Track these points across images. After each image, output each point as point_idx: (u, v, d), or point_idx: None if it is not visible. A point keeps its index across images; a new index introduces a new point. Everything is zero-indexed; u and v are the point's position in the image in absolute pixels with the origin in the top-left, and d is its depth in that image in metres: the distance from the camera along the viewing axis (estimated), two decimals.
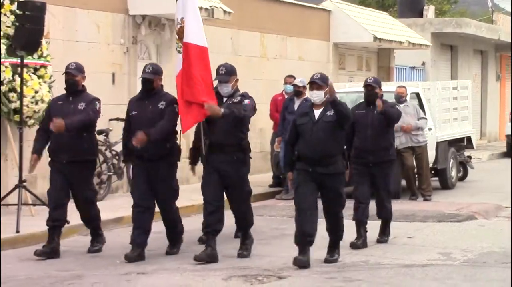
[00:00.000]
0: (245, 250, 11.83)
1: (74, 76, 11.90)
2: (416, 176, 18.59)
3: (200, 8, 18.91)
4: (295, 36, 24.71)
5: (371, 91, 12.85)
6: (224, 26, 21.23)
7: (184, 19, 11.95)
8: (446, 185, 20.48)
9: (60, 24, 16.53)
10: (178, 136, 12.09)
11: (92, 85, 17.82)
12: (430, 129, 19.34)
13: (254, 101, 11.82)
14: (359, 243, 12.46)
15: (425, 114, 18.99)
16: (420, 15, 36.40)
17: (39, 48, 14.74)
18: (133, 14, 18.74)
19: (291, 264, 11.05)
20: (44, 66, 15.34)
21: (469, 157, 22.64)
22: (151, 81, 11.79)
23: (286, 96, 18.97)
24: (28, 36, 13.91)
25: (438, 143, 20.05)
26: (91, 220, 12.25)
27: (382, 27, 28.17)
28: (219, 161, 11.55)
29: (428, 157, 18.84)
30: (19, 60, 13.92)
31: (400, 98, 18.42)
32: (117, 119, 17.31)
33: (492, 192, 19.37)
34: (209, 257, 11.29)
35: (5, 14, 14.84)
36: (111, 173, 17.21)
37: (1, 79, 14.43)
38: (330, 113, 11.02)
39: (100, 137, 16.88)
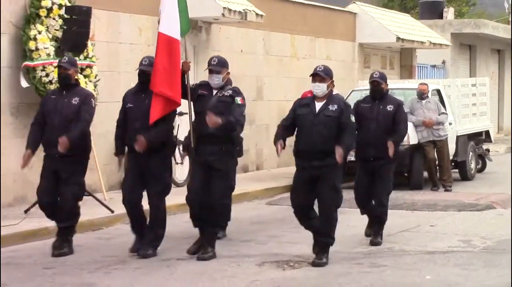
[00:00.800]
0: (205, 253, 10.63)
1: (66, 70, 11.00)
2: (438, 168, 18.55)
3: (234, 11, 19.00)
4: (323, 37, 24.69)
5: (377, 86, 12.16)
6: (257, 28, 21.24)
7: (161, 10, 11.36)
8: (465, 176, 20.41)
9: (104, 27, 16.59)
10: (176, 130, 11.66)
11: (132, 84, 17.93)
12: (450, 123, 19.28)
13: (244, 96, 10.99)
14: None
15: (445, 109, 18.97)
16: (440, 16, 36.30)
17: (85, 50, 14.81)
18: None
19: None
20: (89, 66, 15.41)
21: (487, 150, 22.54)
22: (147, 73, 10.95)
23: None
24: (75, 38, 14.01)
25: (458, 137, 19.99)
26: (68, 218, 10.96)
27: (405, 28, 28.10)
28: (207, 152, 10.70)
29: (448, 150, 18.80)
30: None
31: (422, 94, 18.50)
32: None
33: (510, 183, 19.27)
34: (209, 258, 10.60)
35: (53, 18, 14.93)
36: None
37: (50, 79, 14.54)
38: (332, 107, 10.28)
39: None
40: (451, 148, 19.31)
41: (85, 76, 15.23)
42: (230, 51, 20.65)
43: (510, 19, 37.09)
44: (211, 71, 10.83)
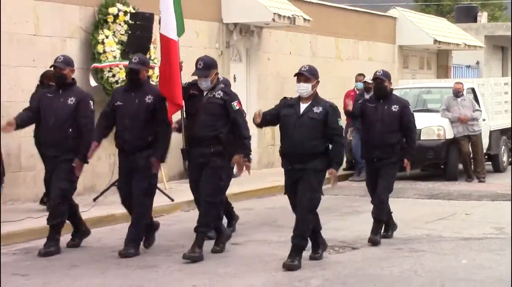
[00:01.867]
0: (193, 252, 9.62)
1: (61, 70, 10.11)
2: (472, 160, 18.44)
3: (283, 17, 18.99)
4: (365, 40, 24.62)
5: (380, 84, 10.93)
6: (304, 32, 21.26)
7: (161, 10, 10.48)
8: (498, 168, 20.32)
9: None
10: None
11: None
12: (484, 119, 19.18)
13: (239, 98, 10.13)
14: (389, 234, 11.13)
15: (479, 106, 18.91)
16: (474, 20, 36.13)
17: (148, 52, 14.88)
18: (227, 22, 18.85)
19: (363, 237, 11.02)
20: (151, 67, 15.49)
21: None
22: (137, 72, 10.07)
23: (357, 92, 18.91)
24: (138, 42, 14.11)
25: (491, 132, 19.92)
26: (57, 215, 10.06)
27: (441, 31, 27.93)
28: (198, 154, 9.76)
29: (482, 144, 18.73)
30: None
31: (458, 93, 18.47)
32: None
33: None
34: (196, 260, 9.56)
35: (119, 24, 15.07)
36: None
37: (117, 79, 14.65)
38: (317, 109, 9.18)
39: None
40: (485, 142, 19.25)
41: (147, 77, 15.32)
42: (279, 53, 20.72)
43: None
44: (198, 76, 9.85)
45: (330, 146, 9.32)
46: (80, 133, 10.03)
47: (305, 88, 9.25)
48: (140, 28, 14.17)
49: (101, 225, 11.86)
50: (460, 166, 18.59)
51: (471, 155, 18.42)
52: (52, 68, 10.42)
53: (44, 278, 8.73)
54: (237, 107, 9.74)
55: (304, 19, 19.83)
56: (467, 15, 36.47)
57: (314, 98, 9.33)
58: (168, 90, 10.03)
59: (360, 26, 24.48)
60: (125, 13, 15.18)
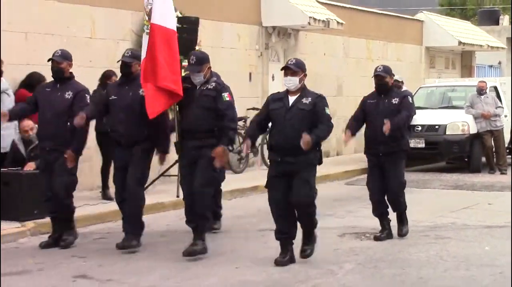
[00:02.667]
0: (195, 246, 8.93)
1: (58, 64, 9.43)
2: (494, 154, 18.32)
3: (318, 20, 18.99)
4: (394, 41, 24.53)
5: (381, 80, 10.15)
6: (337, 34, 21.23)
7: (152, 2, 9.47)
8: None
9: (209, 34, 16.70)
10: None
11: (233, 82, 17.98)
12: (505, 115, 19.04)
13: (231, 90, 9.33)
14: (383, 236, 10.13)
15: (501, 103, 18.80)
16: (497, 23, 35.82)
17: None
18: (266, 25, 18.88)
19: (393, 224, 10.94)
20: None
21: None
22: (129, 65, 9.40)
23: None
24: (185, 43, 14.07)
25: None
26: (64, 209, 9.53)
27: (465, 33, 27.77)
28: (191, 147, 9.04)
29: (504, 138, 18.59)
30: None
31: (481, 90, 18.38)
32: (253, 108, 17.46)
33: None
34: (200, 251, 8.92)
35: None
36: (248, 151, 17.33)
37: None
38: (305, 100, 8.51)
39: (240, 123, 17.09)
40: (506, 137, 19.04)
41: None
42: (314, 54, 20.70)
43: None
44: (190, 71, 9.12)
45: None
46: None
47: (293, 82, 8.55)
48: (187, 31, 14.18)
49: (151, 212, 11.88)
50: (483, 159, 18.44)
51: (494, 149, 18.28)
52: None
53: (99, 261, 8.82)
54: (227, 99, 9.02)
55: (338, 23, 19.82)
56: (490, 18, 36.27)
57: (303, 91, 8.62)
58: (169, 82, 9.15)
59: (389, 28, 24.40)
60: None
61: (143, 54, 9.38)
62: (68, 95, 9.39)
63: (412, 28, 25.95)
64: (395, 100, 10.15)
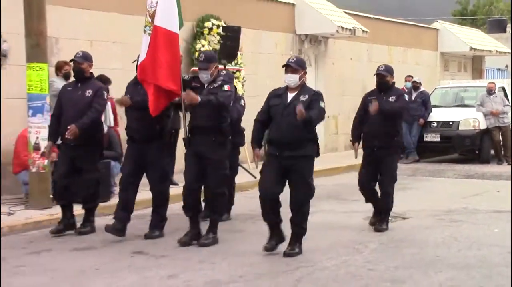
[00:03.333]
0: (206, 239, 8.55)
1: (80, 64, 9.07)
2: (502, 147, 18.16)
3: (345, 29, 18.94)
4: (413, 47, 24.39)
5: (382, 78, 9.52)
6: (362, 41, 21.14)
7: (158, 2, 8.76)
8: None
9: (250, 41, 16.74)
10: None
11: (270, 83, 17.99)
12: None
13: (234, 85, 9.09)
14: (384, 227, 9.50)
15: (509, 102, 18.60)
16: (504, 30, 35.78)
17: (236, 58, 15.00)
18: (299, 33, 18.87)
19: (412, 209, 10.97)
20: (238, 70, 15.64)
21: None
22: None
23: (406, 90, 18.77)
24: (228, 50, 14.17)
25: None
26: (90, 200, 9.33)
27: (476, 40, 27.59)
28: (199, 143, 8.47)
29: (511, 133, 18.38)
30: (222, 66, 14.15)
31: (490, 91, 18.34)
32: None
33: None
34: (193, 239, 8.55)
35: (213, 35, 15.24)
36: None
37: None
38: (303, 97, 7.89)
39: None
40: None
41: (236, 78, 15.45)
42: (342, 59, 20.68)
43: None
44: (199, 68, 8.57)
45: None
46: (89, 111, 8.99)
47: (293, 79, 7.95)
48: (230, 39, 14.23)
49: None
50: (492, 152, 18.27)
51: (501, 142, 18.12)
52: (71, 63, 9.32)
53: (155, 239, 8.87)
54: (226, 89, 8.42)
55: (363, 31, 19.75)
56: (498, 27, 36.23)
57: (302, 88, 8.02)
58: (170, 82, 8.64)
59: (408, 36, 24.26)
60: (218, 26, 15.32)
61: (143, 54, 8.74)
62: (88, 93, 9.02)
63: (429, 35, 25.78)
64: (392, 98, 9.47)
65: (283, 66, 8.07)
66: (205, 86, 8.48)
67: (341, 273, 7.19)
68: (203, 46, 15.00)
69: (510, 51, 29.86)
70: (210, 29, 15.30)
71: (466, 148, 18.46)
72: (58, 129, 9.11)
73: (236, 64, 15.41)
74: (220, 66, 14.42)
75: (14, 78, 11.50)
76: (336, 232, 9.32)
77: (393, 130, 9.51)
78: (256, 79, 16.99)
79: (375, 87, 9.71)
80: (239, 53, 15.04)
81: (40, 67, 10.45)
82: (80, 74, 9.12)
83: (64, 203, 9.27)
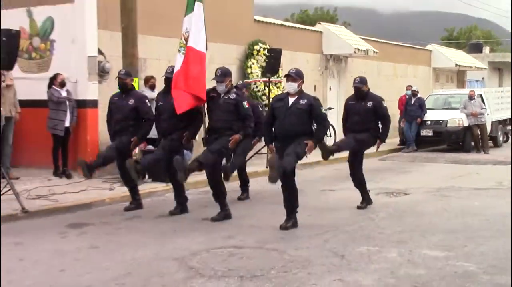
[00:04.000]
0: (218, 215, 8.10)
1: (123, 80, 8.76)
2: (480, 140, 17.79)
3: (361, 50, 18.71)
4: (412, 64, 24.09)
5: (359, 89, 8.93)
6: (373, 59, 20.91)
7: (190, 28, 8.24)
8: (496, 145, 19.45)
9: (288, 60, 16.62)
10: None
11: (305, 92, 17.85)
12: (488, 114, 18.44)
13: (247, 98, 8.55)
14: (363, 206, 9.03)
15: (485, 105, 18.24)
16: (481, 51, 35.67)
17: (277, 73, 14.91)
18: (325, 53, 18.73)
19: (412, 187, 10.79)
20: (279, 81, 15.54)
21: (510, 129, 21.50)
22: (170, 79, 8.33)
23: (406, 96, 18.55)
24: (272, 66, 14.10)
25: (492, 122, 19.15)
26: (130, 182, 8.73)
27: (460, 58, 27.25)
28: (213, 139, 7.96)
29: (487, 129, 18.09)
30: (267, 79, 14.14)
31: (471, 97, 18.01)
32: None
33: None
34: (221, 219, 8.04)
35: (260, 55, 15.17)
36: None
37: (259, 89, 14.71)
38: (302, 101, 7.52)
39: None
40: (488, 128, 18.54)
41: (277, 87, 15.39)
42: (357, 73, 20.25)
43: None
44: (216, 81, 8.02)
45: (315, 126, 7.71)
46: (140, 122, 8.63)
47: (293, 86, 7.56)
48: (273, 58, 14.15)
49: (251, 177, 11.72)
50: (472, 144, 17.91)
51: (480, 136, 17.76)
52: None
53: (214, 209, 8.79)
54: (246, 106, 7.97)
55: (374, 51, 19.53)
56: (476, 48, 36.41)
57: (300, 94, 7.60)
58: (196, 88, 8.08)
59: (408, 55, 23.96)
60: (264, 48, 15.26)
61: (176, 68, 8.23)
62: (131, 102, 8.63)
63: (424, 55, 25.45)
64: (369, 104, 8.84)
65: (284, 76, 7.73)
66: (221, 96, 7.97)
67: (358, 235, 7.10)
68: (253, 63, 14.95)
69: (485, 67, 29.66)
70: (258, 51, 15.24)
71: (453, 141, 18.14)
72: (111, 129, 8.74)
73: (277, 77, 15.33)
74: (265, 78, 14.47)
75: (114, 89, 11.55)
76: (353, 205, 9.19)
77: (369, 126, 8.82)
78: None
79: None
80: (280, 68, 14.97)
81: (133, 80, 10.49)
82: (124, 87, 8.78)
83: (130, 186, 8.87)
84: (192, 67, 8.13)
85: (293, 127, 7.47)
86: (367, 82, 9.16)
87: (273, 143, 7.72)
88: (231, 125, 7.92)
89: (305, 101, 7.56)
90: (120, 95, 8.90)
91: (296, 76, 7.60)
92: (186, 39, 8.31)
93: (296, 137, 7.46)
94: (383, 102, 8.98)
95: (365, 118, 8.81)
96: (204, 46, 8.28)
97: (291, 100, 7.60)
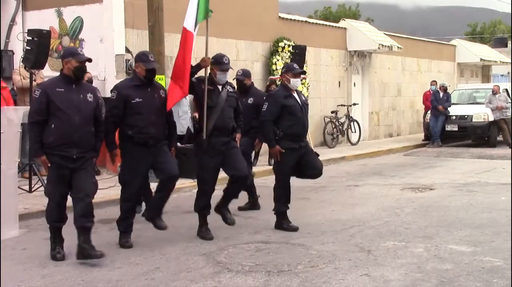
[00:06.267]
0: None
1: (242, 81, 8.09)
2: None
3: (385, 46, 18.55)
4: (436, 59, 23.77)
5: (241, 82, 8.10)
6: (397, 55, 20.69)
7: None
8: None
9: (312, 56, 16.58)
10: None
11: (329, 88, 17.80)
12: None
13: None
14: (246, 206, 8.41)
15: (510, 100, 17.95)
16: (506, 46, 35.19)
17: (302, 69, 14.84)
18: (350, 50, 18.55)
19: (437, 182, 10.66)
20: (304, 78, 15.45)
21: None
22: (240, 81, 8.01)
23: (431, 92, 18.37)
24: (297, 63, 13.89)
25: None
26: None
27: (484, 53, 26.82)
28: (220, 143, 6.57)
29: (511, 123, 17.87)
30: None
31: (495, 91, 17.72)
32: (341, 105, 17.26)
33: None
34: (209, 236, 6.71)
35: (285, 52, 15.10)
36: (338, 133, 17.16)
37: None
38: (300, 95, 7.03)
39: (332, 114, 16.94)
40: None
41: (302, 84, 15.32)
42: (382, 68, 20.28)
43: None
44: (224, 70, 6.68)
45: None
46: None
47: (300, 83, 7.15)
48: (298, 55, 14.12)
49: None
50: (500, 138, 17.67)
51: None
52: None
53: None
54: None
55: (398, 47, 19.30)
56: (501, 43, 35.98)
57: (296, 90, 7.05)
58: (180, 78, 6.49)
59: (432, 50, 23.67)
60: (289, 45, 15.18)
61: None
62: (250, 101, 7.89)
63: (448, 50, 25.11)
64: (250, 100, 7.98)
65: (299, 74, 7.04)
66: (220, 88, 6.69)
67: (384, 230, 7.04)
68: (277, 60, 14.90)
69: (510, 61, 29.22)
70: (283, 48, 15.17)
71: (478, 136, 17.90)
72: None
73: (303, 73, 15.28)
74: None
75: None
76: (379, 200, 9.14)
77: (255, 123, 7.53)
78: (317, 84, 16.84)
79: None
80: (304, 65, 14.90)
81: (160, 78, 10.51)
82: (243, 87, 8.03)
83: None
84: (180, 52, 6.62)
85: (307, 123, 7.09)
86: (251, 76, 8.29)
87: (282, 142, 6.90)
88: (234, 122, 6.79)
89: (300, 94, 7.12)
90: (240, 94, 7.52)
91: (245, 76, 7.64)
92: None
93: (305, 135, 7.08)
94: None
95: (246, 115, 7.35)
96: (192, 23, 6.71)
97: (296, 97, 6.97)
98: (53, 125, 5.68)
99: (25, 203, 8.28)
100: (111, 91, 6.39)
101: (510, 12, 30.21)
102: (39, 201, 8.40)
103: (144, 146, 6.23)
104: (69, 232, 5.99)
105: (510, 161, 13.12)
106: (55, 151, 5.70)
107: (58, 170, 5.74)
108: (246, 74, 8.22)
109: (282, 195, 7.13)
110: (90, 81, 11.28)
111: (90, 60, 5.86)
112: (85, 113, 5.79)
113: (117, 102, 6.24)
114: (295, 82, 7.01)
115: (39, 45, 8.62)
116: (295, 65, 7.17)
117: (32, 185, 9.09)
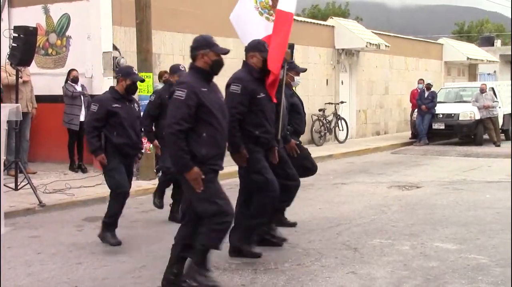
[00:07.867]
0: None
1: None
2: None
3: (372, 44, 18.59)
4: (423, 58, 23.89)
5: (166, 78, 7.90)
6: (385, 53, 20.77)
7: None
8: (509, 138, 19.18)
9: (300, 55, 16.59)
10: None
11: (316, 86, 17.84)
12: (499, 107, 18.27)
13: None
14: None
15: (497, 99, 18.07)
16: (492, 45, 35.36)
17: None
18: (337, 48, 18.60)
19: (424, 180, 10.71)
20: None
21: None
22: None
23: (418, 90, 18.44)
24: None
25: (504, 115, 18.94)
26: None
27: (471, 52, 26.97)
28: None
29: (498, 122, 17.95)
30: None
31: (483, 90, 17.84)
32: (329, 103, 17.28)
33: None
34: None
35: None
36: (325, 131, 17.19)
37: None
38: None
39: (320, 113, 16.97)
40: (500, 121, 18.38)
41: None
42: (369, 67, 20.34)
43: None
44: (295, 70, 6.92)
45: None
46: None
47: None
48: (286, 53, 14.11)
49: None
50: (485, 136, 17.79)
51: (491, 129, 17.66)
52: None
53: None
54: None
55: (385, 45, 19.38)
56: (487, 42, 36.07)
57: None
58: (273, 62, 5.70)
59: (420, 49, 23.78)
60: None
61: (259, 34, 6.10)
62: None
63: (435, 48, 25.24)
64: (152, 97, 7.62)
65: (299, 72, 6.99)
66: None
67: (371, 228, 7.06)
68: None
69: (497, 60, 29.40)
70: (292, 46, 15.17)
71: (464, 134, 18.02)
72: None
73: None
74: None
75: None
76: (366, 198, 9.16)
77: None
78: (305, 82, 16.84)
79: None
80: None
81: (147, 75, 10.50)
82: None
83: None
84: (277, 34, 5.87)
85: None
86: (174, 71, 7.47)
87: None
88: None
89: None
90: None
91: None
92: (274, 2, 6.12)
93: None
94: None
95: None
96: (293, 5, 5.96)
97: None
98: None
99: (11, 201, 8.23)
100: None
101: (511, 11, 30.49)
102: (25, 199, 8.35)
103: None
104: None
105: (510, 159, 13.20)
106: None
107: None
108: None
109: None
110: (75, 79, 11.23)
111: None
112: None
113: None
114: (297, 80, 7.17)
115: (25, 42, 8.55)
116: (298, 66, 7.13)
117: (18, 183, 9.03)
